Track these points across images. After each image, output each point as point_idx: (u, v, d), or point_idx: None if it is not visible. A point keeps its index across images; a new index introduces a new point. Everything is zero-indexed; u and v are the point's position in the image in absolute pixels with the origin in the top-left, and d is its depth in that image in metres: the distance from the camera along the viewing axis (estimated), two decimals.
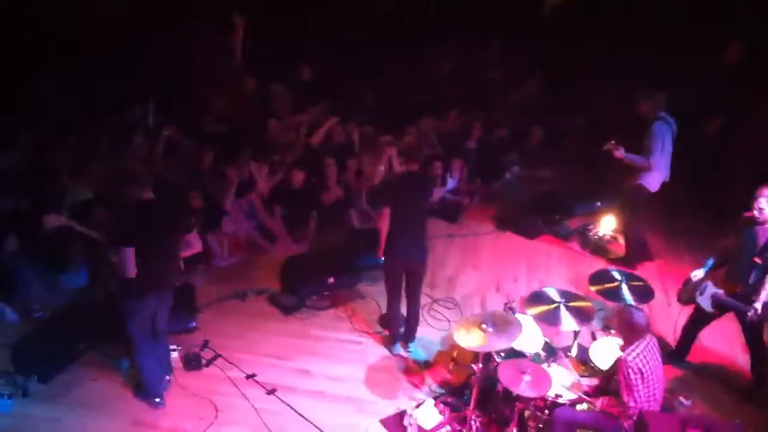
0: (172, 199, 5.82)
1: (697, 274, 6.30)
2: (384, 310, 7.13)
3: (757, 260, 5.84)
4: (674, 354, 6.66)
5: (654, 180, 7.68)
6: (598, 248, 8.74)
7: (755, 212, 5.82)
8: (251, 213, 8.41)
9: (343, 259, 7.89)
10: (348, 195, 9.08)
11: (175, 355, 6.35)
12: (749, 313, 5.80)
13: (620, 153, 7.50)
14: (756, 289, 5.82)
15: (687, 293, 6.39)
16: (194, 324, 6.85)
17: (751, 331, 6.12)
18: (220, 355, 6.47)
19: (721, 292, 6.06)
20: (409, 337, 6.72)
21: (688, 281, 6.40)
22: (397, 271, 6.43)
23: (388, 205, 6.22)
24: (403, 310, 6.67)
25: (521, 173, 10.41)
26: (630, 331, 5.07)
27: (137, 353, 5.72)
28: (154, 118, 8.75)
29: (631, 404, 4.96)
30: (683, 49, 10.18)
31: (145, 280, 5.32)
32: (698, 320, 6.50)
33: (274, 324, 7.08)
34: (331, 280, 7.46)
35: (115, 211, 5.58)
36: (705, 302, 6.19)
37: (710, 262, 6.33)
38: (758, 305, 5.77)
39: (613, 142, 7.50)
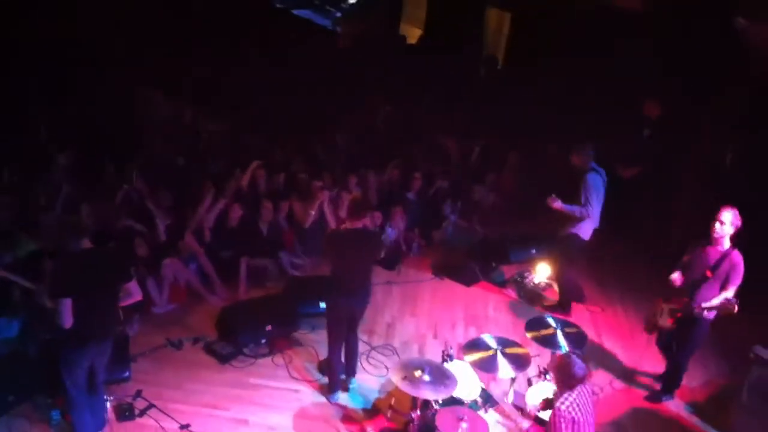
0: (115, 248, 5.71)
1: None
2: (322, 357, 7.13)
3: (709, 274, 6.29)
4: (665, 389, 7.04)
5: (587, 228, 7.96)
6: (534, 295, 8.90)
7: (714, 233, 6.25)
8: (190, 258, 8.29)
9: (280, 306, 7.83)
10: (278, 238, 9.07)
11: (107, 405, 6.17)
12: (706, 315, 6.35)
13: (558, 204, 7.79)
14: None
15: (653, 321, 6.81)
16: (127, 374, 6.66)
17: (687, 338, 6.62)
18: (153, 405, 6.31)
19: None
20: (349, 372, 6.76)
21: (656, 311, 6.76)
22: (341, 316, 6.45)
23: (333, 260, 6.29)
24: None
25: (459, 222, 10.57)
26: (568, 379, 5.14)
27: (71, 405, 5.56)
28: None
29: None
30: (609, 104, 10.74)
31: (83, 330, 5.22)
32: (661, 338, 6.95)
33: (211, 373, 6.95)
34: (269, 327, 7.39)
35: (54, 261, 5.45)
36: (663, 321, 6.65)
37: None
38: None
39: (552, 195, 7.79)
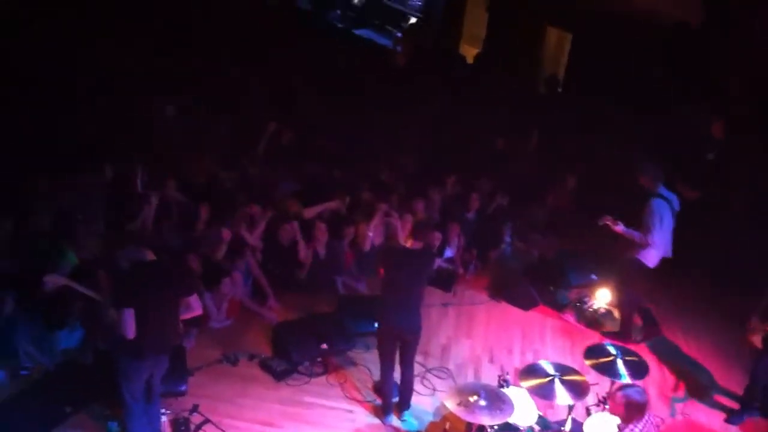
0: (170, 262, 5.81)
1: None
2: (376, 378, 7.10)
3: None
4: (746, 406, 6.90)
5: (652, 256, 7.67)
6: (593, 321, 8.69)
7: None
8: (246, 274, 8.37)
9: (335, 325, 7.84)
10: (336, 261, 9.08)
11: (164, 419, 6.21)
12: None
13: (620, 228, 7.52)
14: None
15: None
16: (184, 387, 6.74)
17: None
18: (209, 421, 6.36)
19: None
20: (403, 405, 6.67)
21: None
22: (391, 339, 6.43)
23: (384, 275, 6.27)
24: (397, 377, 6.62)
25: (517, 243, 10.43)
26: (630, 410, 5.02)
27: (128, 416, 5.65)
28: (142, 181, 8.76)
29: None
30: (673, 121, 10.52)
31: (144, 341, 5.29)
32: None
33: (265, 390, 6.98)
34: (325, 346, 7.39)
35: (116, 272, 5.56)
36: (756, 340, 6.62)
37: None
38: None
39: (609, 217, 7.54)
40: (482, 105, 12.90)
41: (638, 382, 5.98)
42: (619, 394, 5.20)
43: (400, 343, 6.47)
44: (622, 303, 8.32)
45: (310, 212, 9.27)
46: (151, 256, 5.35)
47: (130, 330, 5.21)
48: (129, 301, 5.20)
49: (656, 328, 8.42)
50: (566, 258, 9.88)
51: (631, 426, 4.94)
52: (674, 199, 7.62)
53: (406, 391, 6.66)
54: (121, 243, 5.63)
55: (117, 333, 5.27)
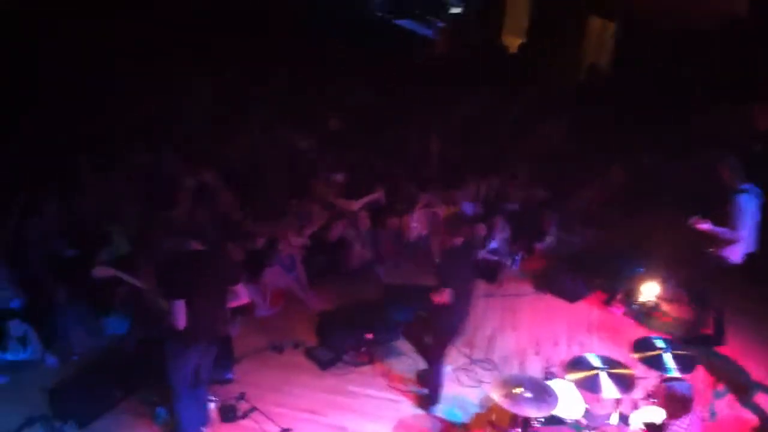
0: (218, 252, 5.87)
1: None
2: (420, 367, 7.16)
3: None
4: None
5: (737, 251, 7.39)
6: (641, 314, 8.57)
7: None
8: (291, 266, 8.43)
9: (380, 314, 7.86)
10: (377, 251, 9.11)
11: (211, 405, 6.31)
12: None
13: (706, 226, 7.22)
14: None
15: None
16: (231, 375, 6.84)
17: None
18: (256, 408, 6.44)
19: None
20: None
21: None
22: (453, 333, 6.54)
23: (447, 281, 6.26)
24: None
25: (563, 235, 10.32)
26: (676, 404, 4.96)
27: (177, 402, 5.73)
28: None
29: None
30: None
31: (194, 330, 5.37)
32: None
33: (311, 378, 7.04)
34: (370, 335, 7.42)
35: (164, 262, 5.65)
36: None
37: None
38: None
39: (696, 217, 7.25)
40: (527, 97, 12.84)
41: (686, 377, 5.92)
42: (663, 386, 5.16)
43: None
44: (696, 301, 8.11)
45: (356, 204, 9.31)
46: (196, 246, 5.40)
47: (182, 320, 5.28)
48: (179, 292, 5.27)
49: (721, 338, 8.04)
50: (613, 250, 9.75)
51: (677, 421, 4.87)
52: (756, 190, 7.31)
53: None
54: (159, 230, 5.66)
55: (167, 322, 5.35)
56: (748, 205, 7.23)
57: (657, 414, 5.71)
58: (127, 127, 9.77)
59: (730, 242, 7.29)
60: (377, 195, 9.59)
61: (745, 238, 7.33)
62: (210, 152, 9.78)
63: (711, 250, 7.45)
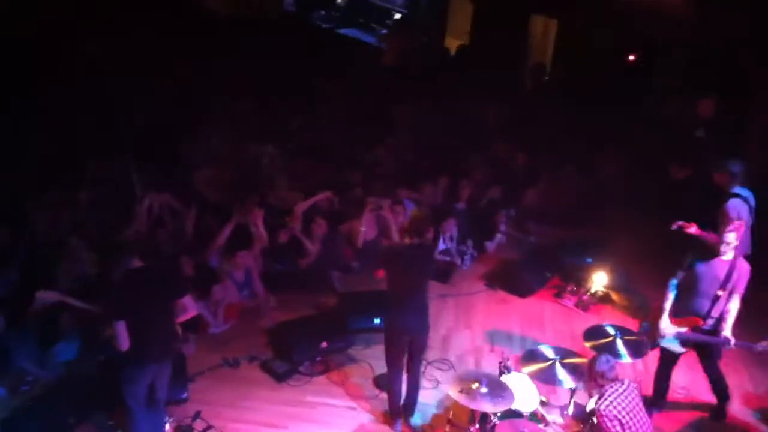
0: (162, 266, 5.79)
1: (664, 324, 6.26)
2: (377, 373, 7.14)
3: (720, 293, 5.98)
4: (652, 402, 6.59)
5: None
6: (591, 304, 8.70)
7: (722, 245, 5.97)
8: (247, 282, 8.34)
9: (334, 322, 7.83)
10: (332, 256, 9.09)
11: (167, 427, 6.20)
12: (728, 345, 5.98)
13: (694, 230, 6.91)
14: (721, 321, 6.03)
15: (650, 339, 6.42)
16: (185, 394, 6.71)
17: (712, 359, 6.31)
18: (212, 427, 6.34)
19: (684, 330, 6.17)
20: (409, 408, 6.59)
21: (644, 326, 6.47)
22: (401, 343, 6.34)
23: (390, 277, 6.23)
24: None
25: (511, 232, 10.44)
26: (596, 378, 5.14)
27: (132, 424, 5.62)
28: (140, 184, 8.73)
29: None
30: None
31: (143, 348, 5.29)
32: (668, 362, 6.53)
33: (267, 391, 6.97)
34: (324, 344, 7.38)
35: (104, 283, 5.57)
36: (672, 345, 6.27)
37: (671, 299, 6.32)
38: (728, 334, 5.98)
39: (681, 222, 6.89)
40: (468, 98, 12.97)
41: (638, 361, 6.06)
42: (587, 365, 5.44)
43: (410, 344, 6.38)
44: None
45: (301, 206, 9.28)
46: (137, 263, 5.33)
47: (124, 342, 5.20)
48: (120, 313, 5.19)
49: None
50: (562, 244, 9.89)
51: (604, 395, 5.03)
52: (750, 196, 7.24)
53: (412, 395, 6.56)
54: (116, 251, 5.56)
55: (115, 345, 5.26)
56: (738, 209, 7.06)
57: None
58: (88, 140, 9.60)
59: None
60: (322, 196, 9.55)
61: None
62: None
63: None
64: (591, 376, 5.26)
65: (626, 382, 5.21)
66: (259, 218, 8.74)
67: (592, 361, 5.30)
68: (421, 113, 12.72)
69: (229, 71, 12.10)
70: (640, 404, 5.19)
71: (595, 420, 5.25)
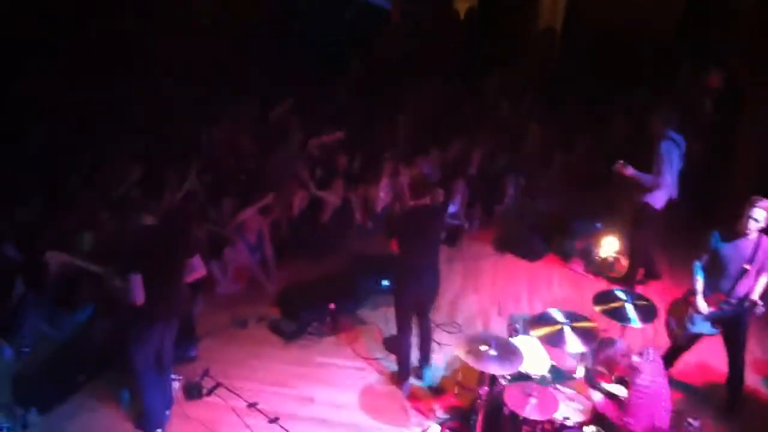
0: (173, 225, 5.74)
1: (701, 305, 6.15)
2: (386, 335, 7.15)
3: (748, 267, 5.89)
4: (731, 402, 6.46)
5: (659, 198, 7.68)
6: (601, 269, 8.67)
7: (749, 222, 5.84)
8: (258, 245, 8.31)
9: (344, 284, 7.83)
10: (346, 217, 9.09)
11: (175, 385, 6.23)
12: (759, 309, 5.89)
13: (630, 171, 7.53)
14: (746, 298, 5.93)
15: (680, 331, 6.34)
16: (194, 353, 6.76)
17: (739, 343, 6.21)
18: (221, 384, 6.38)
19: (713, 309, 6.08)
20: (424, 358, 6.65)
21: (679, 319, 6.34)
22: (410, 306, 6.36)
23: (399, 242, 6.19)
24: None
25: (523, 197, 10.36)
26: (612, 365, 5.13)
27: (140, 383, 5.64)
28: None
29: (631, 424, 4.92)
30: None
31: (152, 306, 5.28)
32: (686, 345, 6.47)
33: (276, 351, 6.99)
34: (333, 306, 7.38)
35: (116, 239, 5.53)
36: (704, 328, 6.17)
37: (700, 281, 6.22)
38: (756, 298, 5.90)
39: (621, 161, 7.55)
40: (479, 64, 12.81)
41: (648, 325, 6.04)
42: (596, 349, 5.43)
43: (417, 303, 6.41)
44: (630, 248, 8.28)
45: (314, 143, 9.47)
46: (149, 220, 5.29)
47: (139, 296, 5.18)
48: (134, 267, 5.16)
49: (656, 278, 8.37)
50: (572, 209, 9.83)
51: (638, 371, 5.00)
52: (681, 140, 7.62)
53: (425, 344, 6.61)
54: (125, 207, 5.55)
55: (126, 301, 5.25)
56: (668, 151, 7.47)
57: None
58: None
59: (653, 188, 7.55)
60: (333, 137, 9.69)
61: (667, 184, 7.56)
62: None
63: (637, 198, 7.73)
64: (610, 364, 5.19)
65: (650, 352, 5.16)
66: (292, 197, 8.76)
67: (603, 352, 5.22)
68: (432, 83, 12.53)
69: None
70: (665, 377, 5.16)
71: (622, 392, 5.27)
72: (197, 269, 5.71)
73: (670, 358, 6.48)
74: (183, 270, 5.58)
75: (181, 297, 5.70)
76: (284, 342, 7.12)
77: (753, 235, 5.90)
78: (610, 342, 5.98)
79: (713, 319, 6.12)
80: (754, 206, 5.81)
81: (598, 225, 9.24)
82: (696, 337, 6.36)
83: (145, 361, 5.58)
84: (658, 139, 7.52)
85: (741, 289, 5.97)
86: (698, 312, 6.11)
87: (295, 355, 6.95)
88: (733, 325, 6.15)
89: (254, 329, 7.32)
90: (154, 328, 5.48)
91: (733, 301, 6.00)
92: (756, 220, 5.82)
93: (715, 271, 6.10)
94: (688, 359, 6.66)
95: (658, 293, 7.87)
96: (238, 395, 6.26)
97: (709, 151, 9.89)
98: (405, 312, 6.37)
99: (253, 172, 9.39)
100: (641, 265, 8.25)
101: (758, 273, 5.93)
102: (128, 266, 5.17)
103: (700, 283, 6.16)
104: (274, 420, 6.00)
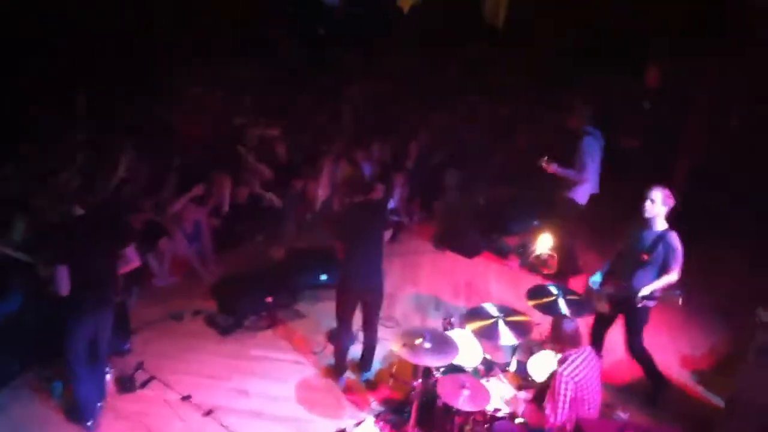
0: (105, 215, 5.65)
1: (595, 280, 6.40)
2: (324, 329, 7.16)
3: (645, 257, 6.02)
4: (655, 393, 6.62)
5: (583, 193, 7.93)
6: (536, 265, 8.83)
7: (646, 203, 5.99)
8: (195, 235, 8.23)
9: (281, 278, 7.80)
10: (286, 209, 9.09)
11: (108, 377, 6.12)
12: (648, 303, 6.01)
13: (554, 168, 7.77)
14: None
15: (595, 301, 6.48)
16: (128, 346, 6.65)
17: (636, 332, 6.34)
18: (154, 377, 6.29)
19: (609, 289, 6.30)
20: (364, 366, 6.62)
21: (588, 291, 6.51)
22: (352, 302, 6.35)
23: (343, 242, 6.20)
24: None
25: (463, 192, 10.48)
26: (562, 340, 5.15)
27: (72, 376, 5.54)
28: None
29: (551, 419, 5.00)
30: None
31: (83, 297, 5.19)
32: (599, 323, 6.61)
33: (211, 345, 6.93)
34: (270, 299, 7.35)
35: (45, 229, 5.42)
36: (601, 306, 6.38)
37: (605, 267, 6.47)
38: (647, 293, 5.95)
39: (545, 158, 7.77)
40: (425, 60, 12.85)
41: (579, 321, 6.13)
42: (552, 320, 5.41)
43: (363, 304, 6.40)
44: (558, 244, 8.48)
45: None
46: (79, 210, 5.19)
47: (65, 286, 5.09)
48: (60, 258, 5.07)
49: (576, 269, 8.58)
50: (510, 206, 9.99)
51: (568, 360, 5.04)
52: (599, 134, 7.84)
53: (367, 354, 6.60)
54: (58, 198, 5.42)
55: (53, 291, 5.14)
56: (590, 147, 7.73)
57: (552, 357, 5.88)
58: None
59: (577, 184, 7.82)
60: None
61: (589, 179, 7.82)
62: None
63: (561, 194, 7.98)
64: (557, 338, 5.24)
65: (588, 349, 5.24)
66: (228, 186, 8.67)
67: (559, 323, 5.28)
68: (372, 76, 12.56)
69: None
70: (598, 374, 5.24)
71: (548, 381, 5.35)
72: (132, 260, 5.63)
73: (595, 335, 6.64)
74: (113, 261, 5.49)
75: (112, 288, 5.60)
76: (220, 336, 7.07)
77: (660, 226, 6.03)
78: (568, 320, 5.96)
79: (608, 299, 6.30)
80: (653, 188, 6.00)
81: (535, 222, 9.42)
82: (603, 318, 6.49)
83: (78, 353, 5.47)
84: (578, 135, 7.75)
85: (637, 281, 6.05)
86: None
87: (230, 348, 6.91)
88: (626, 311, 6.28)
89: (190, 322, 7.25)
90: (86, 318, 5.38)
91: (627, 286, 6.12)
92: (652, 200, 5.96)
93: (622, 258, 6.31)
94: (616, 358, 6.82)
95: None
96: (171, 388, 6.19)
97: (647, 149, 10.20)
98: (345, 308, 6.37)
99: (192, 161, 9.25)
100: (569, 260, 8.46)
101: (660, 271, 6.00)
102: (56, 255, 5.06)
103: (606, 264, 6.45)
104: (208, 413, 5.95)
